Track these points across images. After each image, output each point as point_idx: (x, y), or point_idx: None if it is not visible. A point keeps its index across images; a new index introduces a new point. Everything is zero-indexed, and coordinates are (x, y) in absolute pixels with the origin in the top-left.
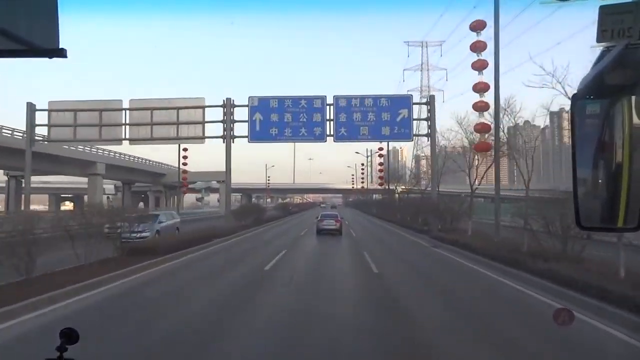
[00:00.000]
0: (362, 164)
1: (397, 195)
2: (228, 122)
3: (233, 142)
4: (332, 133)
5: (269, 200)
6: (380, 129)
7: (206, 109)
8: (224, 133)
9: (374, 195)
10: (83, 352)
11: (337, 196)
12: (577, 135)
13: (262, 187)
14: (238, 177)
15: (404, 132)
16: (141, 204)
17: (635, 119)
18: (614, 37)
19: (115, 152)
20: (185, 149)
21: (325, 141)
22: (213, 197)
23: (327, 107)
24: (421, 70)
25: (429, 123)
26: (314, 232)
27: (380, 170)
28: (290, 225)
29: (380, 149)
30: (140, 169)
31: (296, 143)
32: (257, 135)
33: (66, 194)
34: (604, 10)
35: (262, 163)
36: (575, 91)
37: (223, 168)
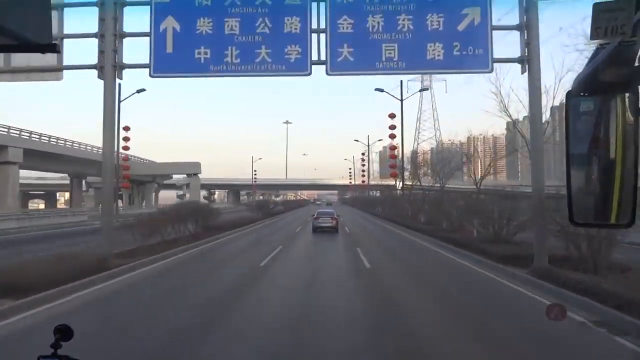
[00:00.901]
0: (363, 154)
1: (420, 191)
2: (108, 37)
3: (120, 77)
4: (323, 58)
5: (260, 197)
6: (425, 47)
7: (66, 11)
8: (99, 59)
9: (373, 192)
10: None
11: (333, 193)
12: (571, 131)
13: (261, 184)
14: (224, 171)
15: (475, 54)
16: (119, 202)
17: (628, 116)
18: (607, 34)
19: (44, 135)
20: (126, 128)
21: (309, 73)
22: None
23: (314, 4)
24: None
25: (525, 36)
26: (289, 255)
27: (392, 157)
28: (255, 239)
29: (392, 127)
30: (84, 158)
31: (251, 77)
32: (169, 62)
33: (36, 191)
34: (597, 8)
35: (253, 156)
36: (570, 88)
37: (196, 157)
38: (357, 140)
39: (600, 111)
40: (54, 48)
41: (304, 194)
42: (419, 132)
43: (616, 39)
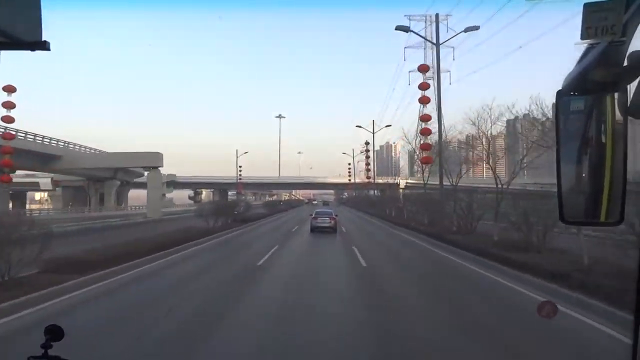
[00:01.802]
0: (367, 143)
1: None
2: None
3: None
4: None
5: (251, 197)
6: None
7: None
8: None
9: (373, 192)
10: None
11: (329, 192)
12: (561, 130)
13: (250, 182)
14: (208, 170)
15: None
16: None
17: (617, 115)
18: (597, 34)
19: None
20: (9, 88)
21: None
22: (182, 194)
23: None
24: (424, 48)
25: None
26: None
27: (425, 132)
28: (105, 321)
29: (424, 86)
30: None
31: None
32: None
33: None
34: (588, 8)
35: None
36: (560, 87)
37: (154, 147)
38: (359, 126)
39: (590, 110)
40: (44, 45)
41: (299, 194)
42: (422, 127)
43: (606, 39)
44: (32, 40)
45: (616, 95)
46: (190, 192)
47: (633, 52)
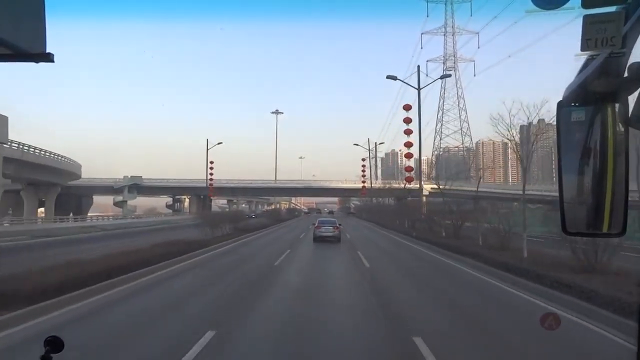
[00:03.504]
0: (406, 108)
1: None
2: None
3: None
4: None
5: (245, 206)
6: None
7: None
8: None
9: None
10: None
11: (332, 201)
12: (562, 141)
13: (238, 186)
14: (191, 172)
15: None
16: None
17: (618, 126)
18: (597, 46)
19: None
20: None
21: None
22: (158, 202)
23: None
24: (444, 34)
25: None
26: None
27: None
28: None
29: None
30: None
31: None
32: None
33: None
34: (587, 20)
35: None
36: (561, 98)
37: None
38: (392, 77)
39: (591, 121)
40: (48, 57)
41: (300, 203)
42: (441, 125)
43: (606, 50)
44: (35, 52)
45: (617, 106)
46: (168, 200)
47: (633, 63)
